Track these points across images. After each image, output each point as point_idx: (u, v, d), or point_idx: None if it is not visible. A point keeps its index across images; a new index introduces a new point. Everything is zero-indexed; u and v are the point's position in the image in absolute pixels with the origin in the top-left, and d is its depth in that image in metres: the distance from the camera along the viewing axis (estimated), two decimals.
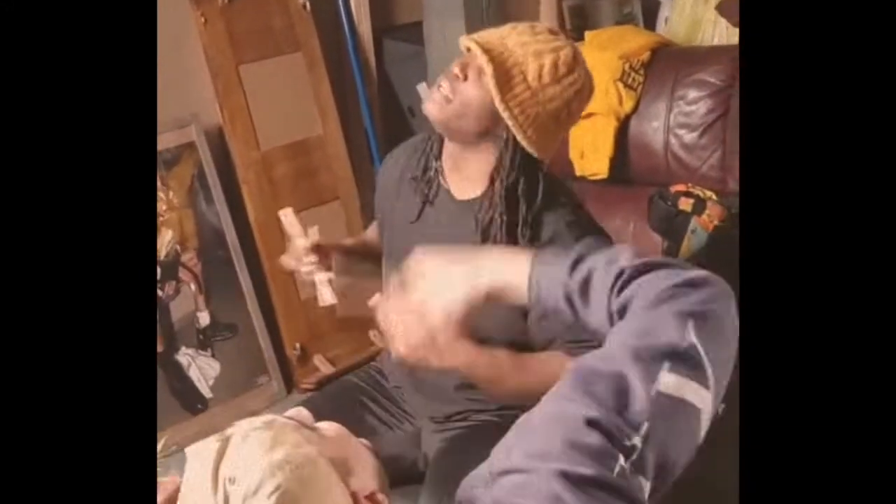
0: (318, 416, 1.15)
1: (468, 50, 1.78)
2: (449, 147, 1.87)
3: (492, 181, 1.82)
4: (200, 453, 0.98)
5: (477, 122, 1.77)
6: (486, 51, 1.73)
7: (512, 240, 1.79)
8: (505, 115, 1.73)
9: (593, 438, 0.95)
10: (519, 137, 1.75)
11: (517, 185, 1.79)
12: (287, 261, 2.04)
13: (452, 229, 1.86)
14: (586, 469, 0.93)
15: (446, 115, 1.77)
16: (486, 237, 1.81)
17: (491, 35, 1.77)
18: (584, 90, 1.79)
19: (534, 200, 1.80)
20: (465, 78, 1.75)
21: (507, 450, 1.00)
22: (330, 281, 1.93)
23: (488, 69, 1.71)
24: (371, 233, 2.18)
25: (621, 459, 0.95)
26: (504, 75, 1.72)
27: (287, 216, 2.01)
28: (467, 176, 1.85)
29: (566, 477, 0.92)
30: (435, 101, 1.77)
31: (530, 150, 1.77)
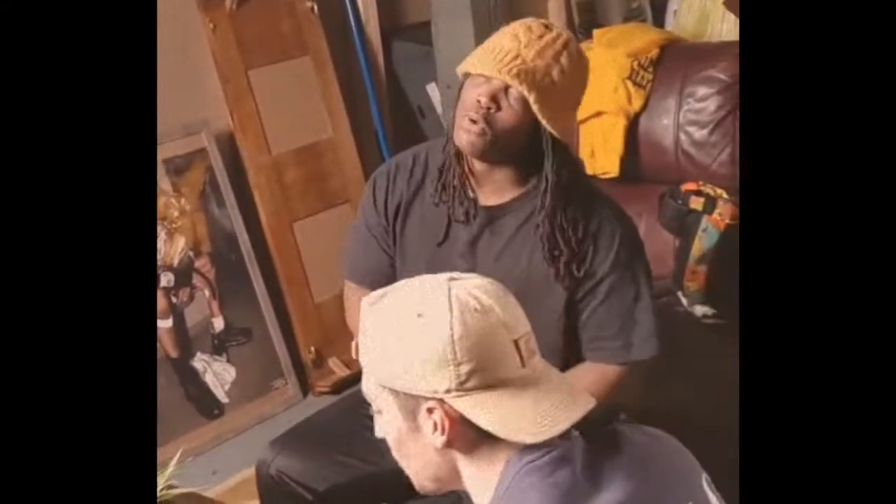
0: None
1: (485, 77, 1.75)
2: (475, 164, 1.86)
3: (525, 184, 1.84)
4: None
5: (517, 144, 1.79)
6: (519, 78, 1.72)
7: (559, 236, 1.81)
8: (549, 126, 1.75)
9: None
10: (555, 133, 1.77)
11: (561, 183, 1.81)
12: None
13: (487, 237, 1.87)
14: None
15: (487, 147, 1.78)
16: (538, 237, 1.83)
17: (506, 56, 1.74)
18: (588, 65, 1.84)
19: (577, 199, 1.83)
20: (499, 108, 1.75)
21: None
22: None
23: (531, 97, 1.72)
24: None
25: None
26: (542, 95, 1.73)
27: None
28: (496, 185, 1.86)
29: None
30: (473, 133, 1.76)
31: (556, 133, 1.77)
